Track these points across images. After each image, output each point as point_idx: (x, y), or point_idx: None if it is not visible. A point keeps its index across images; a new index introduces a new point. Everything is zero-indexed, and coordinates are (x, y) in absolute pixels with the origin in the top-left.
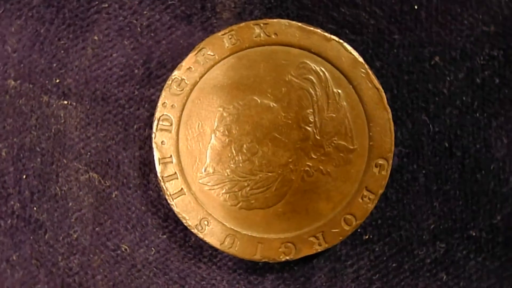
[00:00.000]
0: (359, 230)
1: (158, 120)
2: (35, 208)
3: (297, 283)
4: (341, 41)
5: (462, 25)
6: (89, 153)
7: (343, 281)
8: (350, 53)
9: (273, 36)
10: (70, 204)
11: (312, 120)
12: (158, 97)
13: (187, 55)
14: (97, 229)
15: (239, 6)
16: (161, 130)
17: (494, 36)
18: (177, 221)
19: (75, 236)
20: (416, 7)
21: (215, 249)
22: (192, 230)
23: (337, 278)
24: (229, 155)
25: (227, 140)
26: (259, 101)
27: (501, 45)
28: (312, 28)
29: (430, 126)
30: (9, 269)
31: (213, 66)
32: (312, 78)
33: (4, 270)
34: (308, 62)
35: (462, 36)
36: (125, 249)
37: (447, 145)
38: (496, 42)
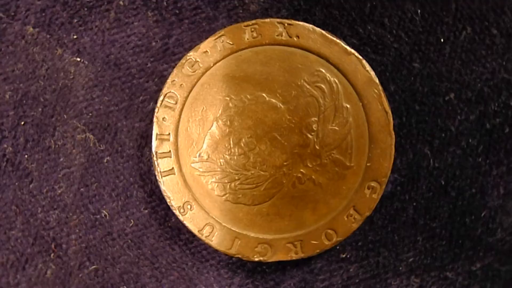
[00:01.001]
0: (338, 247)
1: (164, 96)
2: (26, 156)
3: (266, 286)
4: (360, 57)
5: (484, 68)
6: (90, 114)
7: (318, 280)
8: (367, 71)
9: (294, 38)
10: (61, 159)
11: (315, 129)
12: (169, 73)
13: (206, 38)
14: (82, 189)
15: (268, 2)
16: (165, 106)
17: (511, 87)
18: (161, 199)
19: (59, 191)
20: (442, 40)
21: (193, 235)
22: (174, 211)
23: (315, 275)
24: (226, 145)
25: (227, 130)
26: (267, 98)
27: None
28: (334, 39)
29: (431, 160)
30: None
31: (229, 55)
32: (324, 87)
33: None
34: (323, 70)
35: (481, 79)
36: (105, 215)
37: (443, 182)
38: None
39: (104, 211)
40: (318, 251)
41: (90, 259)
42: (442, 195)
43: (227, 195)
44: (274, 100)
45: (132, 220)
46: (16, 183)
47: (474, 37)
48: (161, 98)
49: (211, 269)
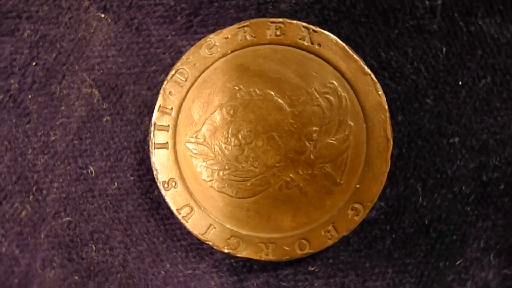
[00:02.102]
0: (308, 259)
1: (176, 71)
2: (29, 96)
3: (229, 280)
4: (375, 80)
5: (495, 120)
6: (101, 71)
7: None
8: (379, 95)
9: (316, 46)
10: (62, 108)
11: (314, 138)
12: (186, 50)
13: (231, 25)
14: (75, 141)
15: (299, 5)
16: (174, 81)
17: None
18: (149, 170)
19: (52, 138)
20: (460, 82)
21: (171, 212)
22: (158, 185)
23: None
24: (224, 133)
25: (229, 119)
26: (274, 98)
27: None
28: (354, 56)
29: (420, 197)
30: None
31: (248, 46)
32: (332, 100)
33: None
34: (336, 84)
35: (489, 131)
36: (91, 172)
37: (426, 222)
38: None
39: (91, 168)
40: (287, 257)
41: (66, 210)
42: (423, 234)
43: (213, 181)
44: (281, 101)
45: (116, 183)
46: (14, 120)
47: (492, 87)
48: (172, 72)
49: (180, 250)
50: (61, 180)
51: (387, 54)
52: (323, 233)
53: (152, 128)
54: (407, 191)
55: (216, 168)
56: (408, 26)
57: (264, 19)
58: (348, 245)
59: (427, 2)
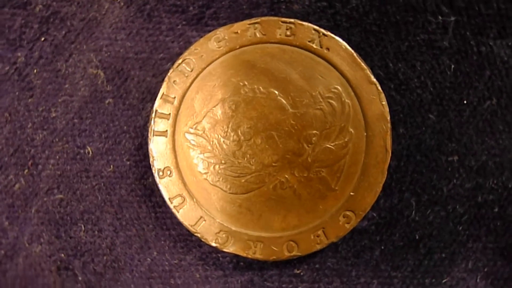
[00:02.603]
0: (295, 261)
1: (183, 60)
2: (34, 71)
3: (214, 274)
4: (381, 90)
5: (496, 142)
6: (108, 53)
7: None
8: (382, 105)
9: (324, 50)
10: (66, 86)
11: (313, 142)
12: (195, 41)
13: (242, 20)
14: (75, 120)
15: (312, 8)
16: (180, 70)
17: None
18: (146, 156)
19: (53, 115)
20: (465, 101)
21: (163, 200)
22: (153, 172)
23: None
24: (224, 127)
25: (230, 114)
26: (278, 97)
27: None
28: (362, 64)
29: (413, 212)
30: None
31: (257, 43)
32: (336, 105)
33: None
34: (340, 89)
35: (490, 152)
36: (88, 152)
37: (417, 237)
38: None
39: (88, 148)
40: (274, 257)
41: (59, 187)
42: (412, 248)
43: (208, 174)
44: (284, 101)
45: (112, 166)
46: (16, 93)
47: (497, 109)
48: (179, 61)
49: (168, 239)
50: (57, 157)
51: (395, 66)
52: (312, 237)
53: (153, 115)
54: (401, 204)
55: (212, 161)
56: (418, 39)
57: (275, 18)
58: (336, 252)
59: (440, 18)
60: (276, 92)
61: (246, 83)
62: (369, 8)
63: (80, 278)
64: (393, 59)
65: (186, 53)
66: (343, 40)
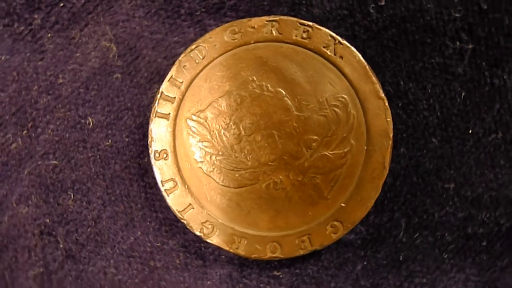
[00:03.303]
0: (275, 263)
1: (196, 47)
2: (48, 35)
3: (194, 262)
4: (388, 106)
5: (495, 176)
6: (124, 29)
7: (233, 286)
8: (387, 121)
9: (338, 58)
10: (78, 54)
11: (312, 148)
12: (211, 30)
13: (261, 16)
14: (81, 90)
15: (332, 14)
16: (192, 56)
17: (510, 207)
18: (145, 135)
19: (60, 81)
20: (470, 131)
21: (155, 182)
22: (150, 153)
23: (228, 283)
24: (227, 120)
25: (235, 107)
26: (284, 98)
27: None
28: (373, 77)
29: (401, 233)
30: None
31: (272, 41)
32: (340, 114)
33: None
34: (348, 99)
35: (487, 186)
36: (89, 123)
37: (401, 258)
38: (509, 214)
39: (90, 119)
40: (256, 256)
41: (55, 153)
42: (395, 269)
43: (204, 163)
44: (290, 103)
45: (110, 140)
46: (28, 54)
47: (501, 144)
48: (192, 47)
49: (154, 221)
50: (58, 123)
51: (406, 84)
52: (296, 241)
53: (158, 96)
54: (390, 223)
55: (210, 151)
56: (433, 62)
57: (294, 19)
58: (318, 260)
59: (458, 44)
60: (284, 92)
61: (255, 78)
62: (389, 24)
63: (61, 246)
64: (405, 78)
65: (200, 40)
66: (358, 51)
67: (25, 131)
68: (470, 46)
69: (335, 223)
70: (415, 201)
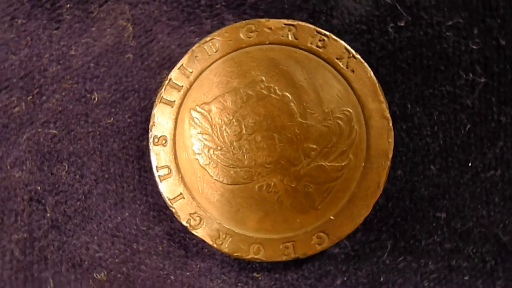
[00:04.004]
0: (256, 264)
1: (210, 40)
2: (68, 6)
3: (176, 252)
4: (391, 127)
5: (487, 213)
6: (142, 11)
7: (211, 281)
8: (389, 142)
9: (349, 72)
10: (93, 29)
11: (310, 156)
12: (228, 25)
13: (279, 19)
14: (91, 64)
15: (351, 28)
16: (204, 48)
17: (497, 245)
18: (148, 118)
19: (72, 53)
20: (470, 164)
21: (150, 167)
22: (149, 137)
23: (207, 277)
24: (229, 116)
25: (240, 104)
26: (290, 103)
27: (499, 255)
28: (382, 97)
29: (386, 255)
30: (5, 24)
31: (287, 45)
32: (343, 127)
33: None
34: (352, 114)
35: (478, 222)
36: (94, 99)
37: (382, 279)
38: (495, 252)
39: (95, 94)
40: (238, 255)
41: (56, 123)
42: None
43: (201, 155)
44: (295, 108)
45: (112, 119)
46: (44, 21)
47: (498, 182)
48: (207, 38)
49: (144, 205)
50: (63, 94)
51: (413, 108)
52: (281, 246)
53: (166, 82)
54: (376, 243)
55: (208, 144)
56: (443, 90)
57: (312, 26)
58: (299, 269)
59: (470, 76)
60: (290, 97)
61: (264, 79)
62: (405, 45)
63: (48, 215)
64: (413, 101)
65: (216, 33)
66: (371, 67)
67: (30, 97)
68: (483, 80)
69: (322, 234)
70: (405, 225)
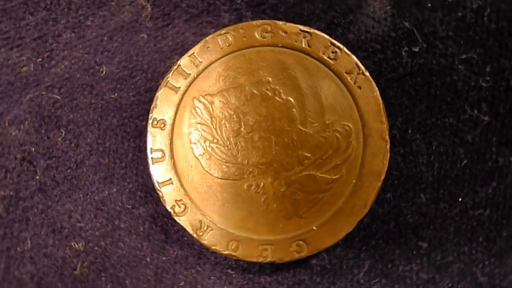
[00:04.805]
0: (232, 261)
1: (224, 33)
2: None
3: (156, 236)
4: (388, 150)
5: (469, 251)
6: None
7: (186, 269)
8: (383, 164)
9: (356, 88)
10: (113, 3)
11: (303, 164)
12: (243, 21)
13: (296, 24)
14: (104, 38)
15: (365, 44)
16: (217, 41)
17: (474, 284)
18: (151, 100)
19: (88, 23)
20: (460, 199)
21: (145, 148)
22: (149, 119)
23: (182, 265)
24: (231, 111)
25: (243, 101)
26: (293, 109)
27: None
28: (384, 118)
29: (361, 274)
30: None
31: (299, 51)
32: (341, 142)
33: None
34: (352, 130)
35: (458, 258)
36: (102, 71)
37: None
38: None
39: (104, 68)
40: (215, 248)
41: (60, 89)
42: None
43: (196, 145)
44: (296, 115)
45: (116, 94)
46: None
47: (485, 221)
48: (221, 31)
49: (132, 183)
50: (73, 61)
51: (413, 134)
52: (259, 248)
53: (174, 67)
54: (354, 261)
55: (205, 135)
56: (446, 122)
57: (327, 37)
58: (273, 273)
59: (475, 112)
60: (294, 103)
61: (271, 80)
62: (416, 71)
63: (37, 177)
64: (414, 128)
65: (231, 28)
66: (378, 87)
67: (39, 59)
68: (487, 118)
69: (301, 243)
70: (385, 248)
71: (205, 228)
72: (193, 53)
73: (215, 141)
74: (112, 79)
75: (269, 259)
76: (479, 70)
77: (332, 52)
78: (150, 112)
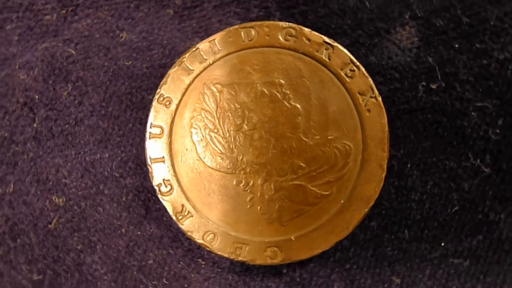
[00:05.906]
0: (205, 251)
1: (248, 27)
2: None
3: (134, 209)
4: (383, 178)
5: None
6: None
7: (158, 249)
8: (375, 191)
9: (366, 110)
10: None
11: (296, 174)
12: (270, 19)
13: (321, 33)
14: (131, 5)
15: (384, 69)
16: (240, 34)
17: None
18: (163, 75)
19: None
20: (443, 244)
21: (146, 120)
22: (156, 94)
23: (155, 244)
24: (237, 105)
25: (251, 98)
26: (298, 116)
27: None
28: (386, 147)
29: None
30: None
31: (318, 61)
32: (338, 159)
33: None
34: (352, 150)
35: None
36: (122, 37)
37: None
38: None
39: (124, 35)
40: (191, 236)
41: (77, 45)
42: None
43: (196, 130)
44: (301, 124)
45: (130, 62)
46: None
47: (462, 272)
48: (246, 25)
49: (126, 153)
50: (95, 21)
51: (411, 170)
52: (233, 244)
53: (193, 49)
54: (324, 280)
55: (207, 123)
56: (447, 164)
57: (348, 54)
58: (242, 272)
59: (478, 162)
60: (300, 111)
61: (283, 84)
62: (429, 108)
63: (34, 125)
64: (414, 163)
65: (257, 23)
66: (388, 115)
67: (63, 11)
68: (488, 170)
69: (277, 250)
70: (358, 274)
71: (186, 213)
72: (214, 39)
73: (216, 130)
74: (130, 47)
75: (241, 258)
76: (491, 121)
77: (350, 70)
78: (158, 87)
